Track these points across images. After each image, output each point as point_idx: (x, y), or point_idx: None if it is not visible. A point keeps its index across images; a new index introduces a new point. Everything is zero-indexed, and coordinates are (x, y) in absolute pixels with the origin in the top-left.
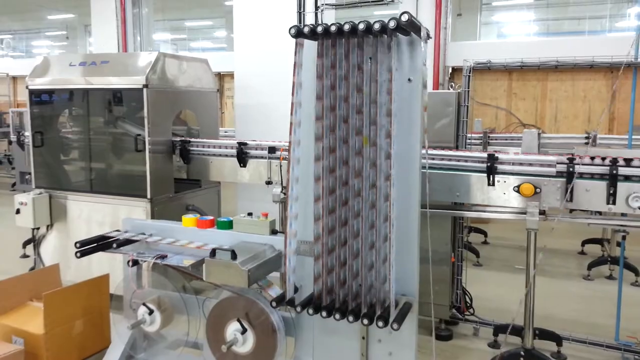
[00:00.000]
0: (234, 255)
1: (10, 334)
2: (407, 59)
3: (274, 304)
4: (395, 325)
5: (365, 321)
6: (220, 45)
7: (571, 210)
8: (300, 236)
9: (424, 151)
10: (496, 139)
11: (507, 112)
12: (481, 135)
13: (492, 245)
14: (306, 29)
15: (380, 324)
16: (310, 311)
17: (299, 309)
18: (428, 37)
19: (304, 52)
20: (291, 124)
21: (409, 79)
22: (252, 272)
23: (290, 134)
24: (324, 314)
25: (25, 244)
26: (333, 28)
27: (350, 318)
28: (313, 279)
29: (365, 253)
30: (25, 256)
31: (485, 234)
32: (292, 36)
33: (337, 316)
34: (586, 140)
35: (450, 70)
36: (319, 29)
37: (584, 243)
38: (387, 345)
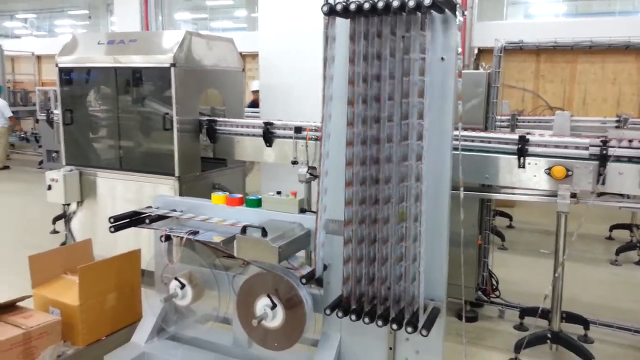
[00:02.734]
0: (264, 233)
1: (47, 304)
2: (440, 37)
3: (303, 280)
4: (424, 332)
5: (395, 326)
6: (241, 25)
7: (599, 194)
8: (330, 215)
9: (456, 132)
10: (524, 122)
11: (533, 95)
12: (509, 117)
13: (517, 229)
14: (339, 7)
15: (410, 329)
16: (340, 314)
17: (328, 311)
18: (463, 14)
19: (336, 27)
20: (323, 96)
21: (442, 58)
22: (282, 249)
23: (322, 108)
24: (353, 317)
25: (55, 220)
26: (366, 5)
27: (380, 322)
28: (342, 279)
29: (394, 247)
30: (55, 232)
31: (510, 217)
32: (325, 14)
33: (367, 320)
34: (617, 124)
35: (476, 51)
36: (352, 6)
37: (611, 228)
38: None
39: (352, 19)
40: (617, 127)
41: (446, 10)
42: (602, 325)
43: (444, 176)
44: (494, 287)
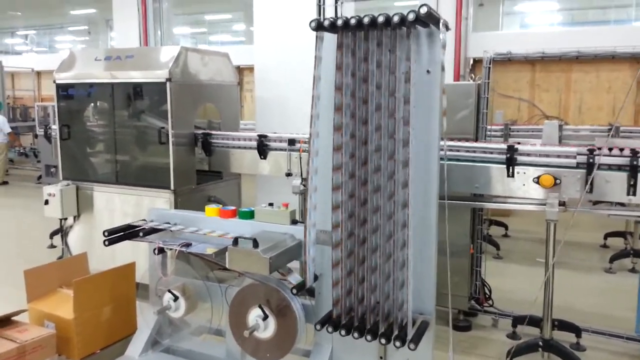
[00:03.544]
0: (255, 244)
1: (42, 318)
2: (425, 51)
3: (294, 291)
4: (412, 346)
5: (383, 340)
6: (239, 39)
7: (595, 202)
8: (320, 226)
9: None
10: (518, 131)
11: (529, 104)
12: (502, 127)
13: (512, 238)
14: (326, 22)
15: (398, 344)
16: (330, 329)
17: (318, 327)
18: (447, 28)
19: (324, 45)
20: (311, 116)
21: (428, 71)
22: (273, 260)
23: (310, 126)
24: (343, 332)
25: (52, 235)
26: (353, 21)
27: (369, 337)
28: (332, 299)
29: (383, 257)
30: (52, 246)
31: (505, 227)
32: (313, 29)
33: (356, 335)
34: (609, 132)
35: (471, 62)
36: (339, 22)
37: (606, 236)
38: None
39: (339, 34)
40: (609, 135)
41: (431, 24)
42: (595, 333)
43: (431, 188)
44: (487, 296)
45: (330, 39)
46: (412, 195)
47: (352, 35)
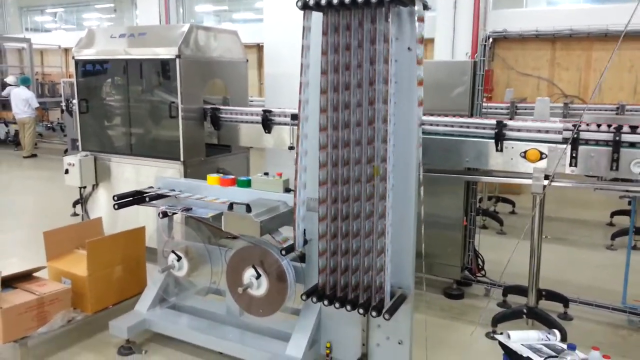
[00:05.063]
0: (248, 209)
1: (60, 275)
2: (407, 29)
3: (283, 252)
4: (387, 316)
5: (361, 310)
6: (261, 17)
7: (613, 179)
8: (310, 194)
9: (432, 118)
10: (525, 109)
11: (549, 83)
12: (509, 105)
13: (519, 215)
14: (312, 2)
15: (374, 314)
16: (314, 299)
17: (304, 297)
18: (426, 7)
19: (312, 33)
20: (300, 101)
21: (409, 48)
22: (264, 224)
23: (299, 110)
24: (326, 302)
25: (75, 204)
26: (335, 0)
27: (348, 307)
28: (318, 270)
29: (365, 228)
30: (75, 214)
31: (513, 204)
32: (299, 8)
33: (337, 305)
34: (617, 111)
35: (490, 40)
36: (323, 1)
37: (612, 214)
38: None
39: (324, 12)
40: (616, 114)
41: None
42: (582, 304)
43: (410, 162)
44: (480, 266)
45: (319, 22)
46: (391, 167)
47: (337, 13)
